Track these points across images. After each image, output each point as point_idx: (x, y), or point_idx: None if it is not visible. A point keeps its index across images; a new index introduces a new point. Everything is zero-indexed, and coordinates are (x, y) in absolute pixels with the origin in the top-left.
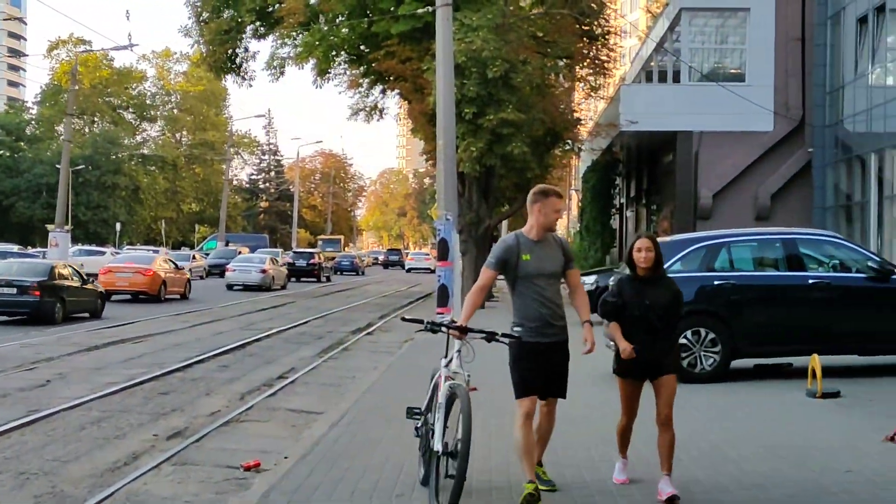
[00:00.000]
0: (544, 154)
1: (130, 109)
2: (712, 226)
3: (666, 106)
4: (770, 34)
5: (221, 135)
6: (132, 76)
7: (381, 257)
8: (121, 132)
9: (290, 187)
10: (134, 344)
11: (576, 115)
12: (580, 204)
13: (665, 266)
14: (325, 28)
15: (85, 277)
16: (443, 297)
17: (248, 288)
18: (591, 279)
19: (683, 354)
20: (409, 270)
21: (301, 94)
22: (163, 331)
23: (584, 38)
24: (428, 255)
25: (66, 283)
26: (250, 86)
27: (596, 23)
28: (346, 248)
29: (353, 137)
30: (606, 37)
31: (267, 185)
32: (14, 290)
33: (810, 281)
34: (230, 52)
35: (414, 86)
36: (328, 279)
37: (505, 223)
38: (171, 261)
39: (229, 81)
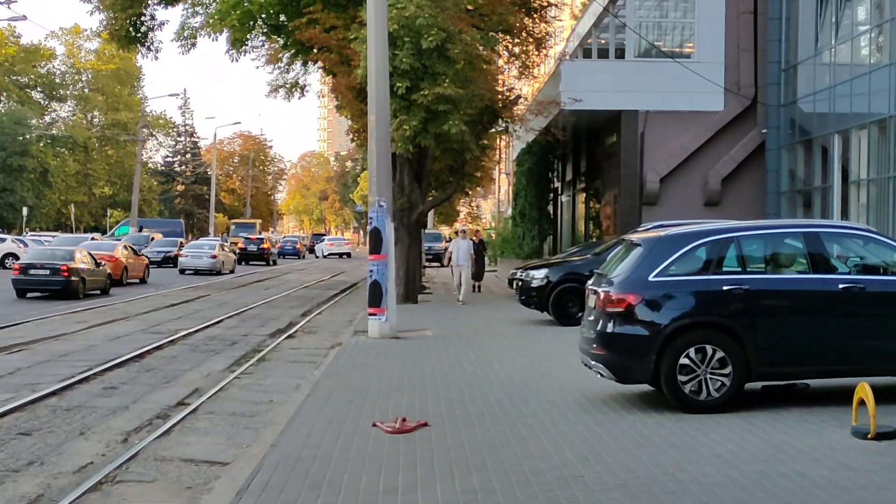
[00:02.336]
0: (482, 134)
1: (39, 88)
2: (659, 212)
3: (609, 83)
4: (720, 7)
5: (135, 115)
6: (40, 54)
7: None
8: (28, 112)
9: (208, 170)
10: (9, 354)
11: (514, 92)
12: (513, 188)
13: (660, 267)
14: None
15: (98, 262)
16: (375, 295)
17: (198, 272)
18: (540, 273)
19: (685, 378)
20: (326, 256)
21: (219, 70)
22: (53, 335)
23: (521, 10)
24: (345, 240)
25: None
26: (156, 58)
27: None
28: (264, 232)
29: (274, 118)
30: (544, 10)
31: (183, 167)
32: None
33: (841, 286)
34: (134, 19)
35: (340, 57)
36: (275, 262)
37: (432, 210)
38: (130, 247)
39: (142, 59)
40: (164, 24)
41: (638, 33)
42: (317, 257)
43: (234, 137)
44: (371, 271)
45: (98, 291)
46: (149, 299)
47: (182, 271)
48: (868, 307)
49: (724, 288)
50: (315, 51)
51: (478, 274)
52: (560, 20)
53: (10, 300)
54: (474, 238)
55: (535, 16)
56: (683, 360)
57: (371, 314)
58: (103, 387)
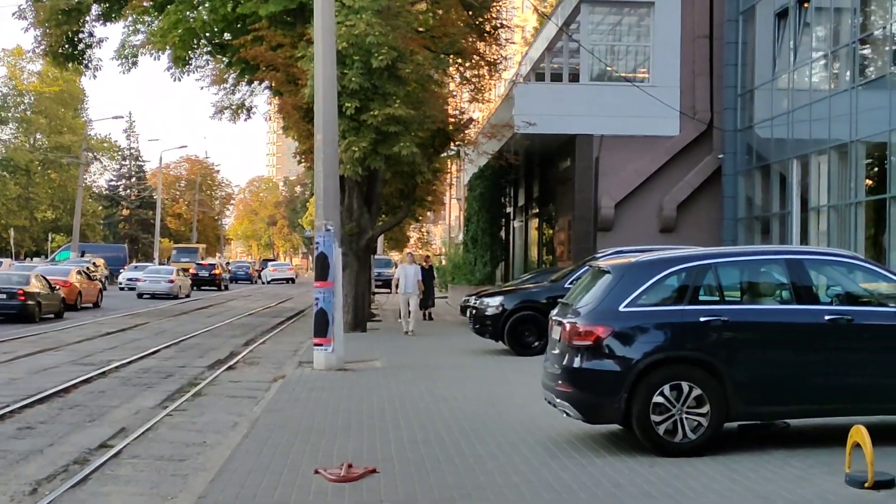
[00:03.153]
0: (433, 157)
1: None
2: (614, 238)
3: (563, 107)
4: (675, 31)
5: (79, 138)
6: None
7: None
8: None
9: (153, 195)
10: None
11: (466, 115)
12: (465, 213)
13: (631, 296)
14: (182, 9)
15: (53, 286)
16: (321, 324)
17: (155, 297)
18: (495, 301)
19: (659, 418)
20: (269, 282)
21: (165, 90)
22: None
23: (474, 34)
24: (289, 265)
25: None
26: (94, 76)
27: (485, 17)
28: (210, 257)
29: (223, 142)
30: (497, 31)
31: (128, 192)
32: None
33: (827, 317)
34: (71, 36)
35: (286, 76)
36: (226, 287)
37: (381, 236)
38: (84, 272)
39: (85, 79)
40: (103, 42)
41: (594, 54)
42: (264, 283)
43: (180, 161)
44: (317, 299)
45: (52, 315)
46: (85, 327)
47: (140, 295)
48: (856, 340)
49: (702, 319)
50: (261, 69)
51: (428, 301)
52: (513, 42)
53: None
54: (424, 264)
55: (487, 38)
56: (657, 399)
57: (317, 344)
58: (18, 427)
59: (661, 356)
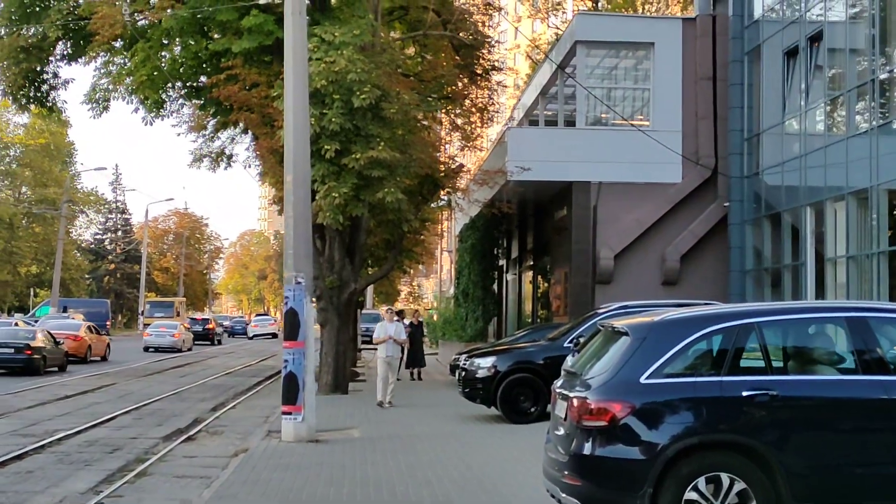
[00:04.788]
0: (421, 205)
1: None
2: (613, 291)
3: (559, 153)
4: (677, 72)
5: (68, 192)
6: None
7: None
8: None
9: (140, 248)
10: None
11: (456, 161)
12: (456, 266)
13: (655, 365)
14: (151, 45)
15: (57, 340)
16: (290, 390)
17: (159, 350)
18: (486, 361)
19: None
20: (252, 338)
21: (154, 139)
22: None
23: (464, 77)
24: (272, 319)
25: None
26: (59, 118)
27: (476, 58)
28: (195, 313)
29: (211, 195)
30: (489, 73)
31: (113, 245)
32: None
33: None
34: (32, 76)
35: (262, 117)
36: (220, 342)
37: (371, 287)
38: (94, 328)
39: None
40: (68, 83)
41: (592, 94)
42: (248, 338)
43: (168, 215)
44: (286, 361)
45: (56, 368)
46: (65, 385)
47: (146, 349)
48: None
49: (744, 394)
50: (234, 111)
51: (419, 360)
52: (505, 86)
53: None
54: (414, 319)
55: (479, 81)
56: (690, 495)
57: (285, 413)
58: None
59: (694, 441)
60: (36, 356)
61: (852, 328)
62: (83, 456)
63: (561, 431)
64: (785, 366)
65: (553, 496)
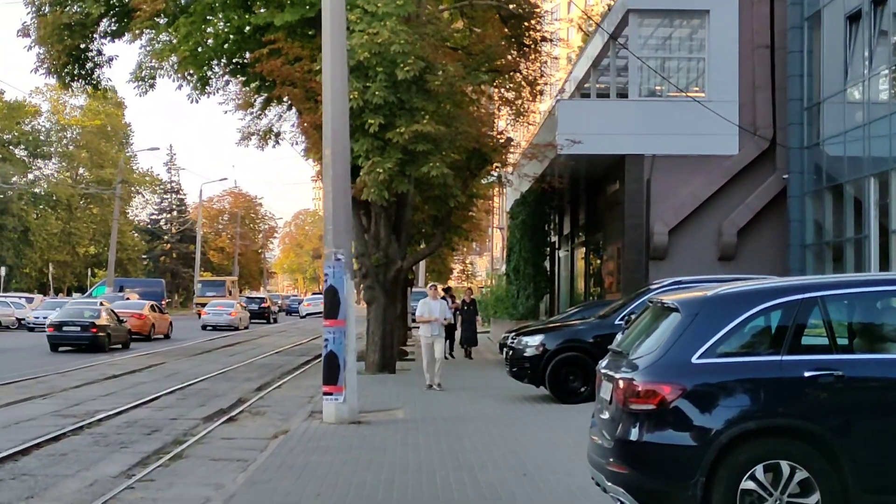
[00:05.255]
0: (469, 181)
1: (22, 146)
2: (668, 267)
3: (611, 125)
4: (733, 42)
5: (122, 172)
6: (24, 110)
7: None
8: (10, 169)
9: (195, 228)
10: None
11: (505, 135)
12: (507, 243)
13: (708, 343)
14: (194, 20)
15: (120, 319)
16: (331, 370)
17: (217, 328)
18: (535, 340)
19: None
20: (304, 316)
21: (207, 122)
22: None
23: (513, 49)
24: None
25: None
26: (105, 97)
27: (525, 29)
28: (250, 292)
29: (265, 175)
30: (539, 45)
31: (169, 225)
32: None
33: None
34: (76, 53)
35: (305, 92)
36: (275, 320)
37: (422, 265)
38: (157, 307)
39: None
40: (112, 60)
41: (646, 64)
42: (300, 317)
43: (223, 195)
44: (326, 340)
45: (120, 346)
46: (93, 368)
47: (204, 327)
48: None
49: (807, 374)
50: (278, 85)
51: (471, 338)
52: (556, 58)
53: (43, 353)
54: (467, 297)
55: (528, 52)
56: (747, 485)
57: (326, 393)
58: None
59: (751, 425)
60: (101, 334)
61: None
62: (120, 437)
63: (606, 415)
64: (851, 344)
65: (598, 484)
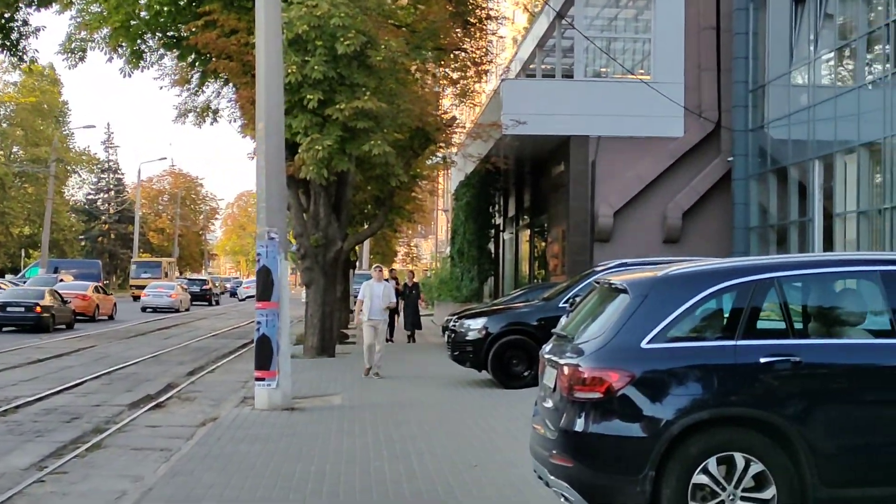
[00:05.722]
0: (412, 160)
1: None
2: (612, 250)
3: (556, 106)
4: (679, 22)
5: (58, 151)
6: None
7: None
8: None
9: (133, 208)
10: None
11: (449, 114)
12: (451, 225)
13: (659, 327)
14: None
15: (64, 300)
16: (263, 353)
17: (157, 310)
18: (477, 323)
19: None
20: (243, 299)
21: (147, 101)
22: None
23: (457, 26)
24: None
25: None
26: (30, 69)
27: (470, 6)
28: (192, 274)
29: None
30: (484, 22)
31: (107, 205)
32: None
33: None
34: (1, 23)
35: (242, 66)
36: (217, 303)
37: (366, 247)
38: (101, 288)
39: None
40: (39, 31)
41: (592, 43)
42: (239, 300)
43: (163, 175)
44: (259, 323)
45: (64, 326)
46: (17, 353)
47: (144, 309)
48: None
49: (763, 360)
50: (213, 59)
51: (414, 322)
52: (501, 37)
53: None
54: (409, 280)
55: (472, 30)
56: (699, 478)
57: (258, 379)
58: None
59: (703, 415)
60: (45, 315)
61: (888, 282)
62: (37, 426)
63: (550, 404)
64: (810, 328)
65: (541, 478)
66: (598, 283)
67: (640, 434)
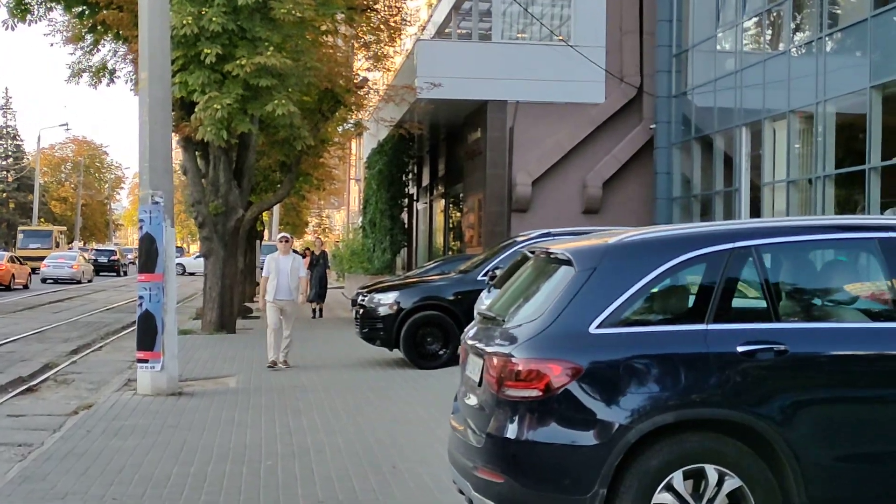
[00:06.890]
0: (320, 124)
1: None
2: (531, 220)
3: (473, 69)
4: None
5: None
6: None
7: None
8: None
9: (34, 177)
10: None
11: (360, 75)
12: (364, 194)
13: (611, 308)
14: None
15: None
16: (147, 332)
17: (59, 281)
18: (388, 297)
19: None
20: None
21: (46, 62)
22: None
23: None
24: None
25: None
26: None
27: None
28: (89, 243)
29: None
30: None
31: (5, 173)
32: None
33: None
34: None
35: (133, 17)
36: (126, 273)
37: (275, 216)
38: (17, 258)
39: None
40: None
41: (516, 1)
42: None
43: (66, 142)
44: (141, 298)
45: None
46: None
47: (44, 280)
48: None
49: (740, 349)
50: (101, 10)
51: (320, 294)
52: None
53: None
54: (317, 249)
55: None
56: (662, 497)
57: (140, 361)
58: None
59: (667, 418)
60: None
61: (888, 252)
62: None
63: (474, 402)
64: (797, 308)
65: (462, 493)
66: (532, 252)
67: (588, 442)
